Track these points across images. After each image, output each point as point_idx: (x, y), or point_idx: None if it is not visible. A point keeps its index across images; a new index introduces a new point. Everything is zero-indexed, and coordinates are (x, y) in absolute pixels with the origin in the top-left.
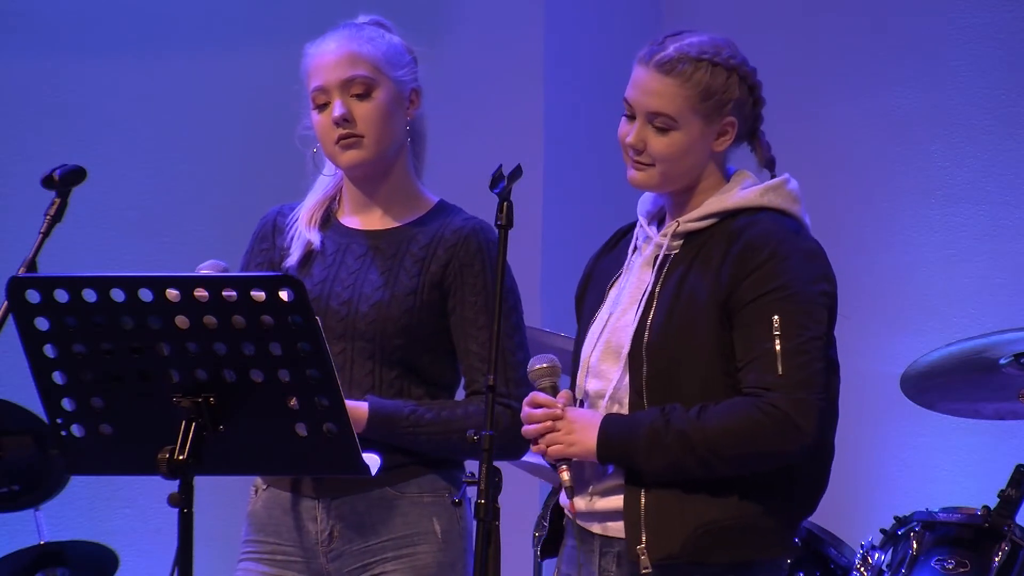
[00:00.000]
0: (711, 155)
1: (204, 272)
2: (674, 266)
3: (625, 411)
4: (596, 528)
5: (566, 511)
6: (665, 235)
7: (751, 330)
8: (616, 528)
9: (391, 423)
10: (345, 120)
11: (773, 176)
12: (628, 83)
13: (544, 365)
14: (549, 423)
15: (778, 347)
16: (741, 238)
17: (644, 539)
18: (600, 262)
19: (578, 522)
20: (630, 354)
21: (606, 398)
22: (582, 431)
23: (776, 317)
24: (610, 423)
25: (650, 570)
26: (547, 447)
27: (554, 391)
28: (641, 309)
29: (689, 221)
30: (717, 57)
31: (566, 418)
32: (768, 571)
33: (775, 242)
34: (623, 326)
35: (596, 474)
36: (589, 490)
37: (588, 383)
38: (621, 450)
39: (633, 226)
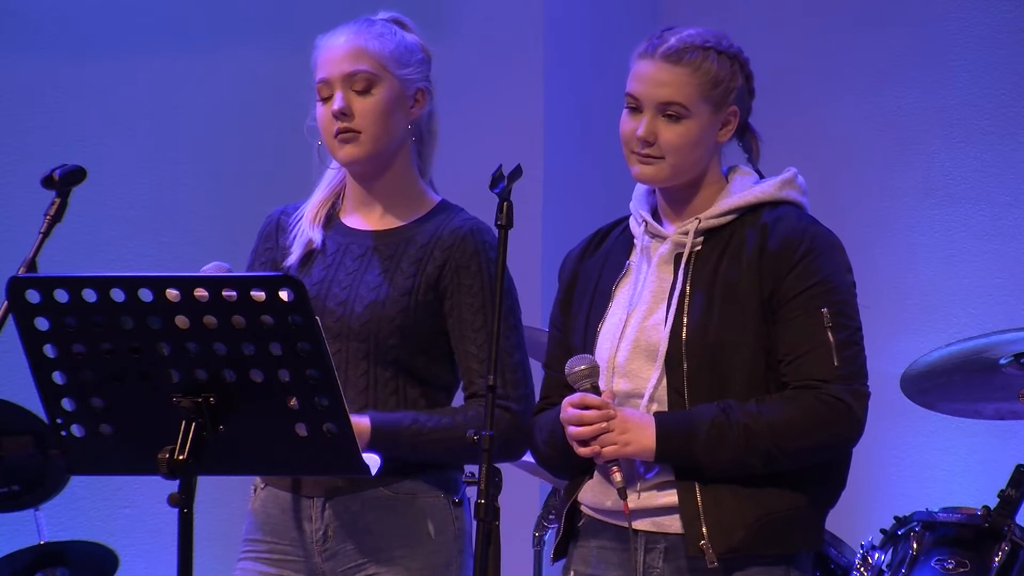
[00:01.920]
0: (715, 145)
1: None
2: (701, 263)
3: (665, 410)
4: (642, 524)
5: (591, 511)
6: (685, 232)
7: (800, 323)
8: (667, 523)
9: (394, 436)
10: (343, 114)
11: (758, 170)
12: (629, 78)
13: (584, 366)
14: (603, 424)
15: (832, 339)
16: (774, 233)
17: (705, 533)
18: (585, 263)
19: (613, 520)
20: (668, 352)
21: (645, 398)
22: (636, 430)
23: (824, 310)
24: (666, 421)
25: (716, 564)
26: (601, 448)
27: (596, 391)
28: (674, 307)
29: (711, 218)
30: (720, 46)
31: (619, 418)
32: (808, 562)
33: (811, 236)
34: (653, 325)
35: (639, 471)
36: (637, 487)
37: (616, 383)
38: (681, 448)
39: (615, 225)
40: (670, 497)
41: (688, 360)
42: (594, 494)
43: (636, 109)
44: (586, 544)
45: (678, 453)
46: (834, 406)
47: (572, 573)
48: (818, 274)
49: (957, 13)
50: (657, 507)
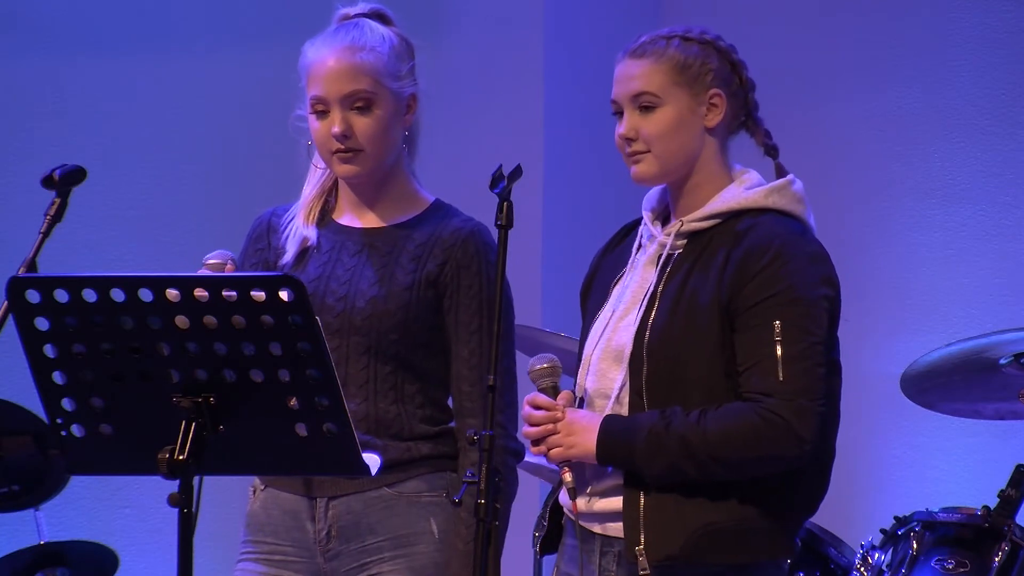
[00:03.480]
0: (705, 133)
1: (212, 262)
2: (677, 266)
3: (626, 412)
4: (596, 528)
5: (567, 511)
6: (669, 234)
7: (753, 334)
8: (616, 528)
9: None
10: (345, 136)
11: (778, 164)
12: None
13: (544, 365)
14: (550, 425)
15: (779, 352)
16: (744, 240)
17: (643, 540)
18: (605, 259)
19: (579, 522)
20: (631, 354)
21: (611, 399)
22: (582, 433)
23: (777, 322)
24: (609, 426)
25: (648, 571)
26: (548, 449)
27: (554, 392)
28: (643, 309)
29: (693, 221)
30: (689, 34)
31: (565, 420)
32: (767, 572)
33: (778, 245)
34: (625, 326)
35: (595, 475)
36: (588, 490)
37: (588, 382)
38: (620, 453)
39: (638, 222)
40: (617, 502)
41: (648, 363)
42: (563, 494)
43: (619, 113)
44: (564, 541)
45: (618, 459)
46: (771, 421)
47: (556, 569)
48: (778, 285)
49: (957, 13)
50: (604, 511)
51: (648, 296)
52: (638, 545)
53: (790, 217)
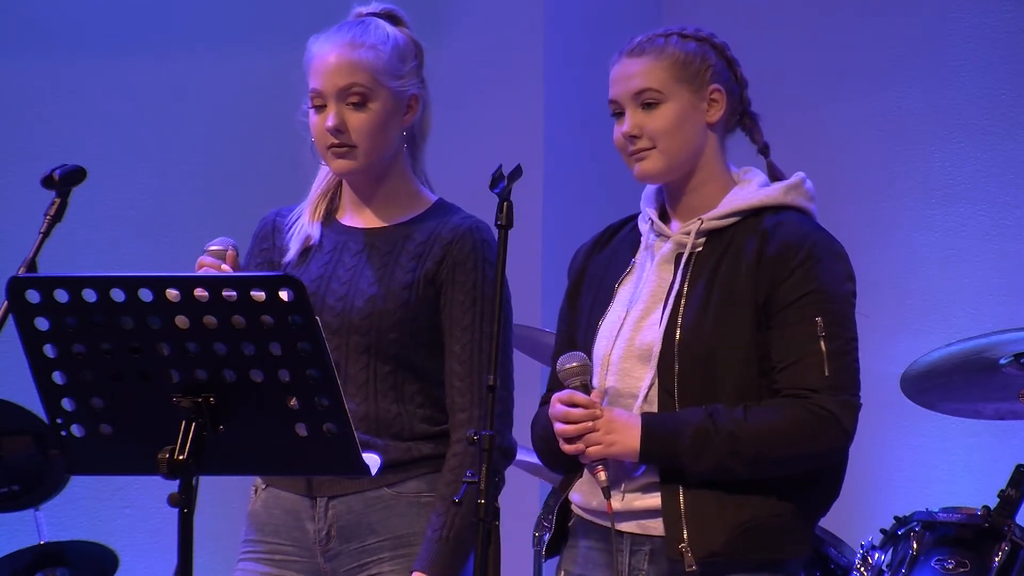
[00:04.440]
0: (707, 129)
1: (213, 248)
2: (700, 264)
3: (655, 410)
4: (628, 526)
5: (581, 511)
6: (688, 232)
7: (793, 331)
8: (651, 526)
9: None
10: (338, 131)
11: (770, 163)
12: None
13: (575, 364)
14: (589, 423)
15: (824, 348)
16: (774, 238)
17: (686, 537)
18: (594, 259)
19: (600, 521)
20: (661, 353)
21: (639, 398)
22: (622, 431)
23: (819, 319)
24: (652, 423)
25: (694, 568)
26: (586, 447)
27: (586, 390)
28: (670, 308)
29: (713, 219)
30: (685, 31)
31: (605, 418)
32: (794, 568)
33: (810, 243)
34: (649, 325)
35: (625, 473)
36: (622, 488)
37: (609, 381)
38: (665, 450)
39: (626, 222)
40: (654, 499)
41: (679, 362)
42: (583, 494)
43: (620, 113)
44: (575, 544)
45: (662, 455)
46: (821, 416)
47: (563, 572)
48: (814, 282)
49: (957, 13)
50: (641, 509)
51: (674, 295)
52: (681, 542)
53: (805, 214)
